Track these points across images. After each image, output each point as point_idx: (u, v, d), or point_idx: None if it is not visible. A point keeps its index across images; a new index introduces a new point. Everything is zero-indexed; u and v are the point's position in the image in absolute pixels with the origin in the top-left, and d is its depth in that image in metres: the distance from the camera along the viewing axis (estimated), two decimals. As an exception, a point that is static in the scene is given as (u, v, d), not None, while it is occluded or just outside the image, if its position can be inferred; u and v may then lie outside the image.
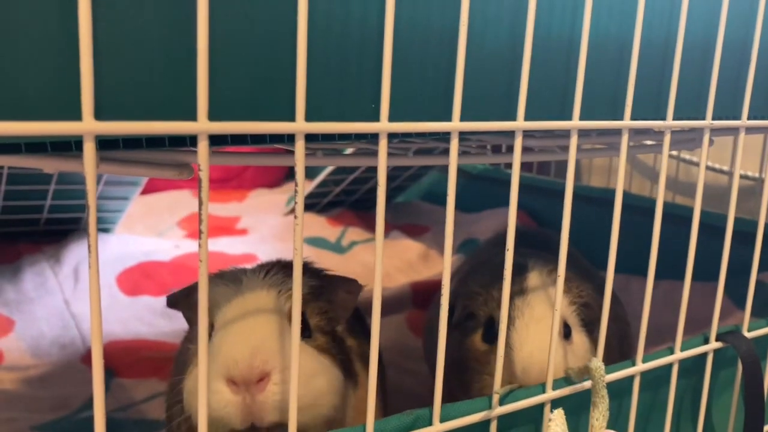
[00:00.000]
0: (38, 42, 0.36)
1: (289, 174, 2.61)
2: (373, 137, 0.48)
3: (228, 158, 0.54)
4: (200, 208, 0.41)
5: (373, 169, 1.85)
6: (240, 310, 0.62)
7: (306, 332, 0.66)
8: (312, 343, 0.66)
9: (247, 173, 2.49)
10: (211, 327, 0.64)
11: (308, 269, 0.75)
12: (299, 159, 0.43)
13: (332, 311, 0.71)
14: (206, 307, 0.43)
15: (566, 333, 0.76)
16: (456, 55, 0.49)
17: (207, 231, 0.41)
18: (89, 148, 0.38)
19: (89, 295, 0.39)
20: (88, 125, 0.37)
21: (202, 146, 0.40)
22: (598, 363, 0.59)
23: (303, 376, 0.61)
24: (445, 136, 0.52)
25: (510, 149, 0.55)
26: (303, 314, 0.66)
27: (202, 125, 0.40)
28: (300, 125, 0.43)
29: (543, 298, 0.76)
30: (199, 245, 0.41)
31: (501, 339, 0.56)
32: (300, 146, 0.43)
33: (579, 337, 0.77)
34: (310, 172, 2.37)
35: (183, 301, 0.72)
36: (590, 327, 0.78)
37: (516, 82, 0.53)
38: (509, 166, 1.88)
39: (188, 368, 0.65)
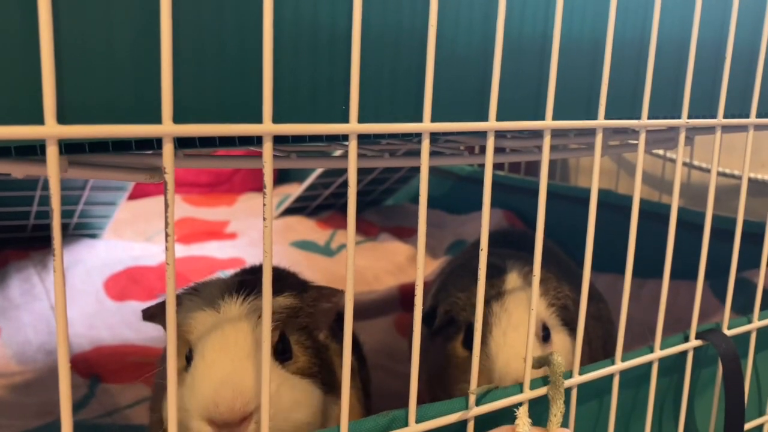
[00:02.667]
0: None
1: (279, 178, 2.61)
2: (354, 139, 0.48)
3: (196, 161, 0.54)
4: (166, 211, 0.40)
5: (363, 172, 1.85)
6: (218, 342, 0.61)
7: (287, 354, 0.65)
8: (292, 366, 0.65)
9: (237, 177, 2.49)
10: (188, 348, 0.63)
11: (286, 281, 0.74)
12: (267, 161, 0.43)
13: (313, 323, 0.70)
14: (174, 314, 0.42)
15: (545, 336, 0.76)
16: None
17: (173, 234, 0.41)
18: (52, 152, 0.37)
19: (54, 301, 0.39)
20: (51, 129, 0.37)
21: (167, 149, 0.40)
22: (558, 358, 0.59)
23: (284, 410, 0.60)
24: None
25: (496, 151, 0.55)
26: (282, 336, 0.65)
27: (167, 128, 0.40)
28: (267, 127, 0.43)
29: (520, 302, 0.75)
30: (166, 248, 0.41)
31: (476, 340, 0.56)
32: (267, 148, 0.43)
33: (560, 337, 0.77)
34: (300, 176, 2.37)
35: (161, 314, 0.70)
36: (571, 326, 0.78)
37: (489, 82, 0.53)
38: (498, 167, 1.88)
39: (164, 396, 0.64)
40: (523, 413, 0.51)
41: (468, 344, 0.77)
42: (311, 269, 1.58)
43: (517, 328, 0.73)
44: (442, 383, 0.79)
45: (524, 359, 0.60)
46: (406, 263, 1.69)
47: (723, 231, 0.96)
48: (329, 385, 0.67)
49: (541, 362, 0.60)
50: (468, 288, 0.79)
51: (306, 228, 1.88)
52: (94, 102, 0.39)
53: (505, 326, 0.73)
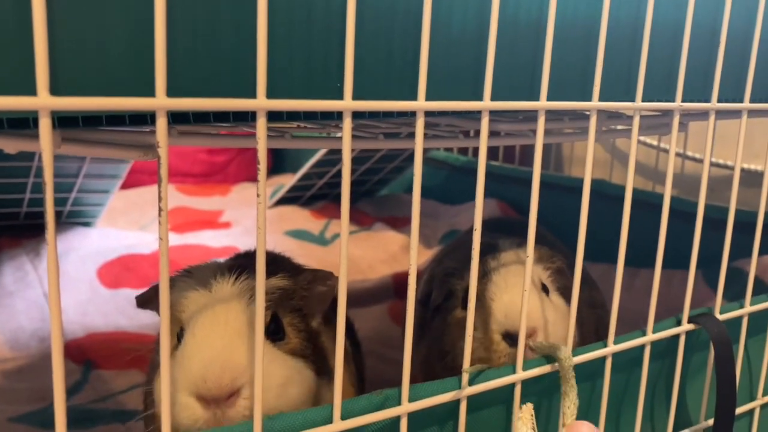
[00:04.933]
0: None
1: (273, 168, 2.61)
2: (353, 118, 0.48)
3: (190, 139, 0.54)
4: (159, 186, 0.40)
5: (357, 161, 1.85)
6: (209, 320, 0.61)
7: (279, 334, 0.65)
8: (285, 346, 0.65)
9: (231, 167, 2.49)
10: (180, 327, 0.63)
11: (281, 264, 0.73)
12: (260, 137, 0.43)
13: (307, 307, 0.69)
14: (167, 289, 0.42)
15: (545, 292, 0.78)
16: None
17: (167, 209, 0.41)
18: (44, 124, 0.37)
19: (47, 274, 0.38)
20: (43, 101, 0.37)
21: (161, 123, 0.40)
22: (566, 352, 0.60)
23: (275, 387, 0.60)
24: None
25: (491, 135, 0.55)
26: (275, 316, 0.65)
27: (160, 101, 0.39)
28: (261, 102, 0.43)
29: (516, 260, 0.78)
30: (159, 223, 0.41)
31: (470, 317, 0.56)
32: (261, 124, 0.43)
33: (558, 299, 0.78)
34: (294, 166, 2.36)
35: (154, 298, 0.70)
36: (566, 293, 0.79)
37: (484, 63, 0.53)
38: (492, 157, 1.88)
39: (157, 372, 0.64)
40: (526, 411, 0.50)
41: (465, 305, 0.78)
42: (305, 258, 1.56)
43: (515, 275, 0.74)
44: (442, 356, 0.79)
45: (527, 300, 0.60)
46: (400, 252, 1.69)
47: (715, 220, 0.96)
48: (321, 370, 0.67)
49: (548, 348, 0.61)
50: (463, 261, 0.81)
51: (300, 217, 1.88)
52: (88, 76, 0.39)
53: (504, 273, 0.75)
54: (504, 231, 0.99)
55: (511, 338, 0.71)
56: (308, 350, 0.67)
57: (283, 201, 1.98)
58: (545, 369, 0.62)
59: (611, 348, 0.67)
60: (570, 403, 0.57)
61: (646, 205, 1.29)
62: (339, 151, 0.47)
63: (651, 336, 0.71)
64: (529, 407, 0.53)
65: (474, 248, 0.55)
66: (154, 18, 0.39)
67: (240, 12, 0.43)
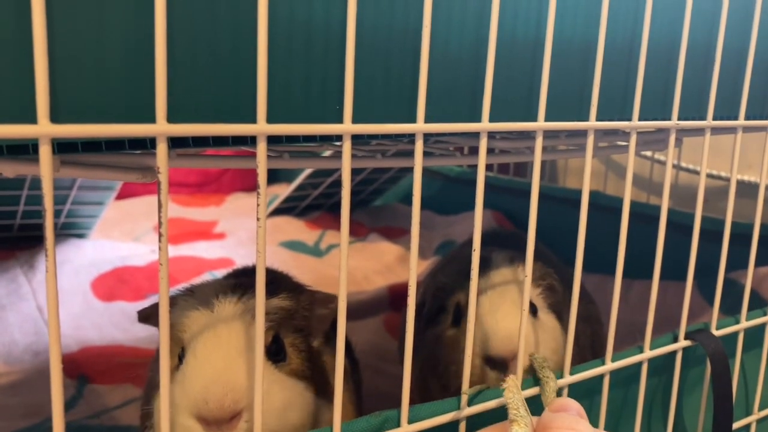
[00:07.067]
0: (-8, 44, 0.36)
1: (268, 177, 2.60)
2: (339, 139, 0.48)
3: (188, 161, 0.54)
4: (159, 211, 0.40)
5: (352, 172, 1.85)
6: (211, 340, 0.60)
7: (280, 355, 0.65)
8: (286, 367, 0.64)
9: (225, 177, 2.48)
10: (181, 347, 0.62)
11: (282, 283, 0.73)
12: (261, 161, 0.43)
13: (308, 328, 0.69)
14: (167, 313, 0.42)
15: (533, 312, 0.77)
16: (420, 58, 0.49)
17: (167, 234, 0.41)
18: (45, 152, 0.37)
19: (47, 303, 0.38)
20: (44, 128, 0.37)
21: (161, 149, 0.40)
22: (533, 354, 0.64)
23: (276, 410, 0.60)
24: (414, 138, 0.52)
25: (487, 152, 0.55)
26: (277, 336, 0.65)
27: (161, 127, 0.39)
28: (261, 127, 0.43)
29: (507, 276, 0.77)
30: (159, 248, 0.41)
31: (468, 338, 0.56)
32: (261, 148, 0.43)
33: (547, 318, 0.78)
34: (288, 176, 2.36)
35: (155, 315, 0.70)
36: (557, 309, 0.79)
37: (482, 84, 0.53)
38: (487, 168, 1.89)
39: (157, 392, 0.63)
40: (512, 383, 0.50)
41: (455, 322, 0.79)
42: (300, 270, 1.57)
43: (504, 293, 0.74)
44: (436, 372, 0.79)
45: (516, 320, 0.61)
46: (396, 263, 1.69)
47: (710, 232, 0.96)
48: (322, 390, 0.67)
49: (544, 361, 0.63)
50: (455, 275, 0.80)
51: (295, 228, 1.88)
52: (88, 101, 0.39)
53: (491, 295, 0.75)
54: (498, 244, 1.00)
55: (492, 363, 0.71)
56: (309, 371, 0.66)
57: (278, 211, 1.98)
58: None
59: (609, 366, 0.67)
60: (551, 392, 0.59)
61: (640, 216, 1.29)
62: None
63: (648, 353, 0.71)
64: (513, 377, 0.54)
65: (473, 269, 0.55)
66: (154, 44, 0.39)
67: (239, 37, 0.43)
